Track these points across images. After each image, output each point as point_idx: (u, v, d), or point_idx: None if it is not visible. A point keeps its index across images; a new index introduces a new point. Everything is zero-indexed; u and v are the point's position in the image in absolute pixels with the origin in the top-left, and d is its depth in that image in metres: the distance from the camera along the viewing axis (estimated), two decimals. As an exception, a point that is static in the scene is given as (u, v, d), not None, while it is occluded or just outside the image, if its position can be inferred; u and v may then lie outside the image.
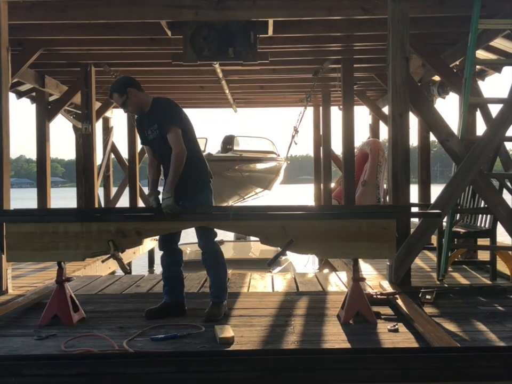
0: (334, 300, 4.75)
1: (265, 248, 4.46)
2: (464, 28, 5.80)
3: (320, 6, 5.91)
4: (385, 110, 11.12)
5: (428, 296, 4.67)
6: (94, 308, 4.58)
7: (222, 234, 11.00)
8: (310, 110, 13.48)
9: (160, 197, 4.29)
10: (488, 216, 5.62)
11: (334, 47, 7.94)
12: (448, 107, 9.50)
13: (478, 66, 7.84)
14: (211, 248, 4.37)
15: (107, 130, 12.73)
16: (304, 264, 11.09)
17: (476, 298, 4.78)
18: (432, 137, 7.54)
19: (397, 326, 3.88)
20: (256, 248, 10.59)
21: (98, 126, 11.19)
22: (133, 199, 11.92)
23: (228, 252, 10.09)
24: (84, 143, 9.26)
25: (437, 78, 8.42)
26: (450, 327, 3.92)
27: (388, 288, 4.88)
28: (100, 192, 10.92)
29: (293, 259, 10.01)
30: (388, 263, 5.29)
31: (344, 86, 8.73)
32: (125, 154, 12.78)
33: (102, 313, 4.45)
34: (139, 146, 11.97)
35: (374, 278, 5.77)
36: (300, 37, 7.37)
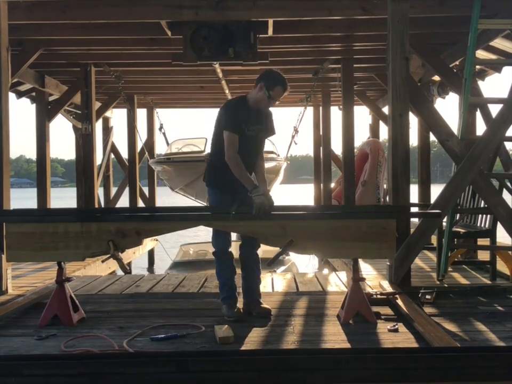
0: (334, 300, 4.75)
1: (270, 248, 4.46)
2: (464, 27, 5.80)
3: (320, 6, 5.91)
4: (385, 110, 11.13)
5: (427, 296, 4.67)
6: (94, 308, 4.58)
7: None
8: (310, 110, 13.49)
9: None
10: (488, 216, 5.62)
11: (334, 47, 7.94)
12: (448, 107, 9.51)
13: (478, 66, 7.84)
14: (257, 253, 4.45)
15: (107, 130, 12.74)
16: (306, 264, 11.08)
17: (475, 298, 4.78)
18: (432, 137, 7.54)
19: (397, 326, 3.88)
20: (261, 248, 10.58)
21: (98, 126, 11.21)
22: (133, 199, 11.91)
23: (236, 252, 10.06)
24: (84, 143, 9.26)
25: (437, 78, 8.42)
26: (450, 327, 3.92)
27: (388, 288, 4.88)
28: (99, 192, 10.93)
29: (294, 259, 10.01)
30: (388, 263, 5.29)
31: (344, 86, 8.73)
32: (125, 154, 12.80)
33: (102, 313, 4.45)
34: (139, 146, 11.97)
35: (374, 278, 5.77)
36: (300, 37, 7.37)
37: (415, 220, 7.08)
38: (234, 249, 4.44)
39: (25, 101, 10.50)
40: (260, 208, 3.98)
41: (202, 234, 15.76)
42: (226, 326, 3.83)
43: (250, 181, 4.08)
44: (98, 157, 10.87)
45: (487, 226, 5.66)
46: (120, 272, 7.31)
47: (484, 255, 6.31)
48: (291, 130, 11.37)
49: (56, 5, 5.94)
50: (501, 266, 5.68)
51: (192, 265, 8.44)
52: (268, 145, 12.20)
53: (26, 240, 4.09)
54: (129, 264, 10.60)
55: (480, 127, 6.82)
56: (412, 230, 5.30)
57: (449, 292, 4.98)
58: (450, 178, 5.41)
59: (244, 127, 4.15)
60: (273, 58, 7.64)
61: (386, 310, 4.36)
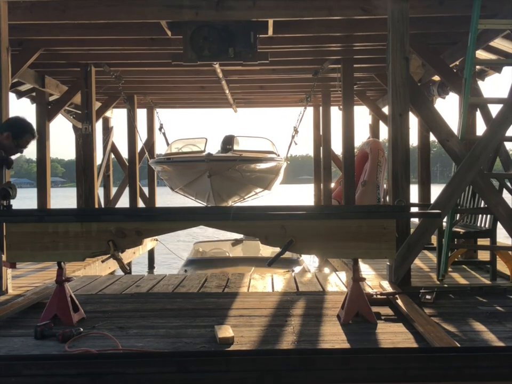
0: (334, 300, 4.75)
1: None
2: (464, 27, 5.81)
3: (320, 6, 5.92)
4: (385, 110, 11.13)
5: (427, 296, 4.67)
6: (94, 308, 4.58)
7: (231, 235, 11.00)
8: (310, 110, 13.51)
9: None
10: (488, 216, 5.62)
11: (334, 47, 7.95)
12: (448, 107, 9.52)
13: (478, 66, 7.84)
14: None
15: (107, 130, 12.76)
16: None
17: (475, 298, 4.78)
18: (432, 137, 7.55)
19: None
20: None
21: (98, 126, 11.23)
22: (133, 199, 11.93)
23: (248, 250, 10.07)
24: (84, 143, 9.27)
25: (437, 78, 8.43)
26: (450, 327, 3.92)
27: (388, 288, 4.88)
28: (100, 192, 10.93)
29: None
30: (388, 263, 5.29)
31: (344, 86, 8.74)
32: (125, 154, 12.81)
33: (102, 313, 4.44)
34: (139, 146, 11.98)
35: (374, 278, 5.77)
36: (300, 37, 7.38)
37: (415, 220, 7.08)
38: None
39: (25, 101, 10.48)
40: None
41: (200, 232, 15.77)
42: (226, 326, 3.83)
43: None
44: (98, 157, 10.88)
45: (487, 226, 5.66)
46: (120, 272, 7.31)
47: (483, 255, 6.31)
48: (291, 130, 11.39)
49: (56, 5, 5.95)
50: (501, 266, 5.68)
51: (207, 263, 8.43)
52: (268, 145, 12.31)
53: (26, 240, 4.08)
54: (129, 264, 10.60)
55: (480, 127, 6.83)
56: (412, 230, 5.30)
57: (449, 291, 4.98)
58: (450, 178, 5.41)
59: None
60: (273, 58, 7.64)
61: (386, 310, 4.36)
